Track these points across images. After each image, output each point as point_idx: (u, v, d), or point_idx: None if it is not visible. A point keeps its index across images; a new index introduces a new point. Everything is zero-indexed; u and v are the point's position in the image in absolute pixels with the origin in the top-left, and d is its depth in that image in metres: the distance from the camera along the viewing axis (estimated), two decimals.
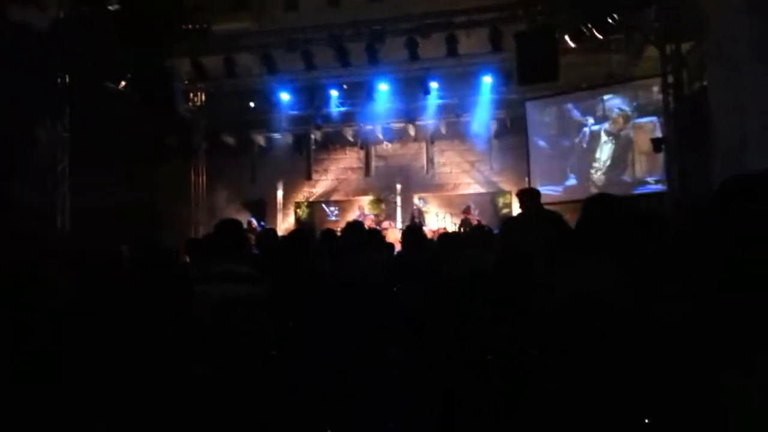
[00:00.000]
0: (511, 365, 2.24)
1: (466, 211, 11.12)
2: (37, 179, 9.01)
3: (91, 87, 9.96)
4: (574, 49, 10.28)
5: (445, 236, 5.61)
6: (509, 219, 4.59)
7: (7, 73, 7.76)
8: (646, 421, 1.83)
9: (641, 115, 10.63)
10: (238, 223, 4.00)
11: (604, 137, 11.17)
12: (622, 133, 10.93)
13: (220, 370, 2.53)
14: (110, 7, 9.52)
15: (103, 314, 3.15)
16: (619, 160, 10.91)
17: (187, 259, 5.39)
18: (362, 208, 12.71)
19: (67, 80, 9.76)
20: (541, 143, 12.05)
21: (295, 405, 2.44)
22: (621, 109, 10.98)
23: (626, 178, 10.70)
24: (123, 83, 10.44)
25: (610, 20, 9.53)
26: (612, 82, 11.13)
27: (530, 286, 2.40)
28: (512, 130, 12.67)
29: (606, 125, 11.15)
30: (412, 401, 2.52)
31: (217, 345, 2.67)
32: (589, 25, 9.67)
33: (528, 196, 5.04)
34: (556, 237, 2.77)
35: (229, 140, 13.42)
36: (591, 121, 11.36)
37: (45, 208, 9.19)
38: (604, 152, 11.14)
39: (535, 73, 9.86)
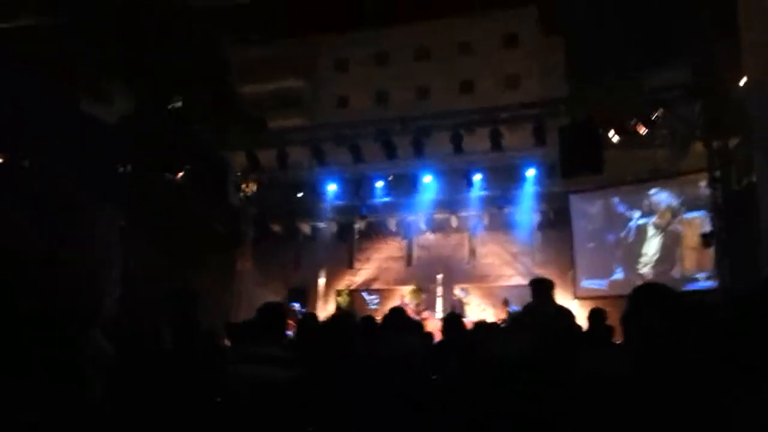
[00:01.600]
0: None
1: (505, 303, 10.96)
2: (91, 263, 9.39)
3: (152, 177, 10.53)
4: (618, 143, 10.38)
5: (481, 324, 5.55)
6: (526, 305, 4.55)
7: (75, 163, 8.32)
8: None
9: (688, 210, 10.49)
10: (280, 306, 4.08)
11: (651, 231, 11.01)
12: (670, 227, 10.76)
13: None
14: (174, 105, 10.23)
15: (141, 391, 3.21)
16: (667, 255, 10.68)
17: (228, 343, 5.46)
18: (403, 298, 12.66)
19: (129, 169, 10.37)
20: (586, 237, 11.94)
21: None
22: (668, 204, 10.87)
23: (675, 273, 10.42)
24: (181, 173, 11.01)
25: (654, 115, 9.64)
26: (658, 177, 11.08)
27: (568, 371, 2.36)
28: (555, 223, 12.63)
29: (653, 219, 11.02)
30: None
31: (251, 426, 2.67)
32: (634, 120, 9.80)
33: (541, 287, 5.03)
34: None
35: (276, 228, 13.80)
36: (637, 215, 11.25)
37: (95, 291, 9.49)
38: (652, 247, 10.93)
39: (579, 166, 9.93)
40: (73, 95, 9.16)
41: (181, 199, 10.38)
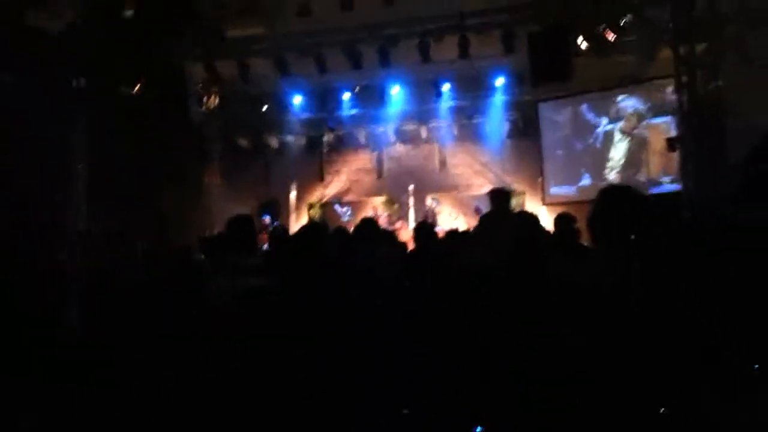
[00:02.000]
0: (518, 353, 2.25)
1: (476, 211, 11.11)
2: (54, 181, 9.12)
3: (106, 91, 10.08)
4: (587, 50, 10.26)
5: (453, 232, 5.63)
6: (486, 215, 4.66)
7: (23, 78, 7.88)
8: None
9: (655, 115, 10.59)
10: (249, 218, 4.04)
11: (617, 137, 11.14)
12: (636, 132, 10.89)
13: (241, 362, 2.56)
14: (125, 13, 9.63)
15: (118, 305, 3.19)
16: (634, 159, 10.87)
17: (202, 257, 5.44)
18: (376, 209, 12.78)
19: (83, 84, 9.88)
20: (555, 144, 12.04)
21: (309, 394, 2.46)
22: (635, 109, 10.94)
23: (641, 177, 10.65)
24: (137, 87, 10.55)
25: (622, 21, 9.50)
26: (626, 83, 11.08)
27: (543, 278, 2.40)
28: (525, 132, 12.65)
29: (620, 125, 11.11)
30: (424, 387, 2.53)
31: (234, 336, 2.69)
32: (602, 26, 9.64)
33: (499, 197, 5.24)
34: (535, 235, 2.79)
35: (243, 143, 13.53)
36: (605, 121, 11.32)
37: (62, 207, 9.30)
38: (618, 152, 11.10)
39: (547, 74, 9.84)
40: (15, 7, 8.55)
41: (140, 113, 10.01)
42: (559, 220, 5.23)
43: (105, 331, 2.89)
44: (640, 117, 10.86)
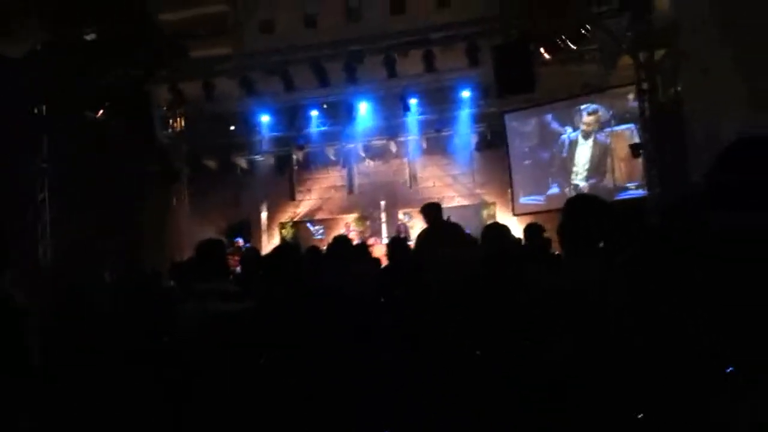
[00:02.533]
0: (502, 358, 2.24)
1: None
2: (17, 211, 8.89)
3: (69, 116, 9.89)
4: (550, 60, 10.45)
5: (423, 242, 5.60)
6: (422, 232, 4.70)
7: None
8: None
9: (618, 123, 10.81)
10: (220, 243, 3.98)
11: (582, 146, 11.33)
12: (600, 140, 11.10)
13: (209, 385, 2.50)
14: (87, 37, 9.49)
15: (88, 336, 3.10)
16: (599, 167, 11.07)
17: (172, 283, 5.33)
18: (349, 225, 12.74)
19: (44, 110, 9.69)
20: (522, 154, 12.19)
21: (287, 414, 2.41)
22: (598, 118, 11.16)
23: (607, 184, 10.85)
24: (101, 111, 10.37)
25: (583, 31, 9.69)
26: (588, 92, 11.30)
27: (515, 286, 2.41)
28: (493, 143, 12.78)
29: (584, 134, 11.32)
30: (407, 405, 2.50)
31: (203, 361, 2.63)
32: (563, 37, 9.83)
33: (430, 210, 5.31)
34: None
35: (211, 164, 13.39)
36: (569, 130, 11.52)
37: (27, 238, 9.07)
38: (584, 160, 11.30)
39: (512, 85, 9.97)
40: None
41: (105, 138, 9.84)
42: (528, 231, 5.31)
43: (69, 359, 2.80)
44: (602, 124, 11.07)
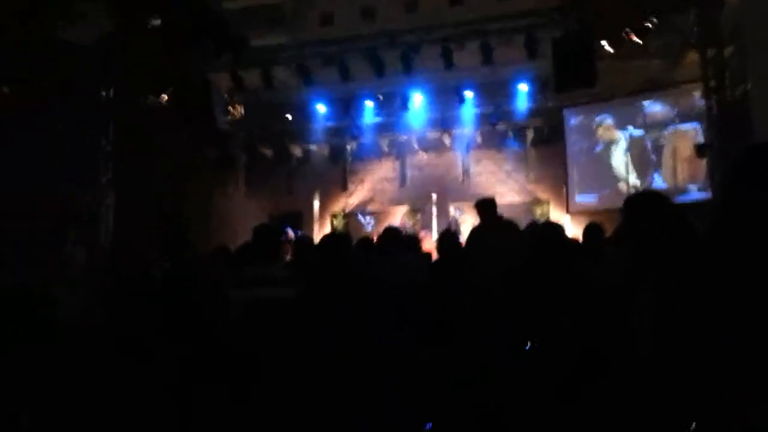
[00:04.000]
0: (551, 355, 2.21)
1: None
2: (83, 191, 9.29)
3: (135, 101, 10.26)
4: (612, 54, 10.14)
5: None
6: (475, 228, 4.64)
7: (54, 89, 8.06)
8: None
9: (682, 121, 10.40)
10: (275, 229, 4.06)
11: (644, 144, 10.96)
12: (663, 139, 10.71)
13: (258, 371, 2.56)
14: (151, 23, 9.80)
15: (142, 325, 3.21)
16: (659, 166, 10.69)
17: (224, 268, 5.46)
18: (400, 219, 12.78)
19: (111, 94, 10.07)
20: (579, 151, 11.90)
21: (330, 402, 2.45)
22: (662, 116, 10.77)
23: (667, 185, 10.46)
24: (165, 97, 10.71)
25: (648, 25, 9.37)
26: (652, 88, 10.92)
27: (567, 280, 2.36)
28: (549, 139, 12.52)
29: (646, 132, 10.94)
30: (450, 400, 2.49)
31: (252, 346, 2.70)
32: (627, 30, 9.53)
33: (485, 206, 5.23)
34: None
35: (267, 152, 13.63)
36: (630, 128, 11.16)
37: (90, 218, 9.46)
38: (644, 159, 10.92)
39: (572, 79, 9.72)
40: (47, 21, 8.76)
41: (168, 123, 10.15)
42: (588, 231, 5.13)
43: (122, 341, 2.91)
44: (667, 123, 10.68)
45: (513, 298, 2.51)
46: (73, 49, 8.80)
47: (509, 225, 3.13)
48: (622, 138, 11.26)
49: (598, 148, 11.62)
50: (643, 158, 10.95)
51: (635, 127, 11.09)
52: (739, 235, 1.46)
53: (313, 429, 2.50)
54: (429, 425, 2.53)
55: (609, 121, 11.46)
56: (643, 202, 2.51)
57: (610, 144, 11.43)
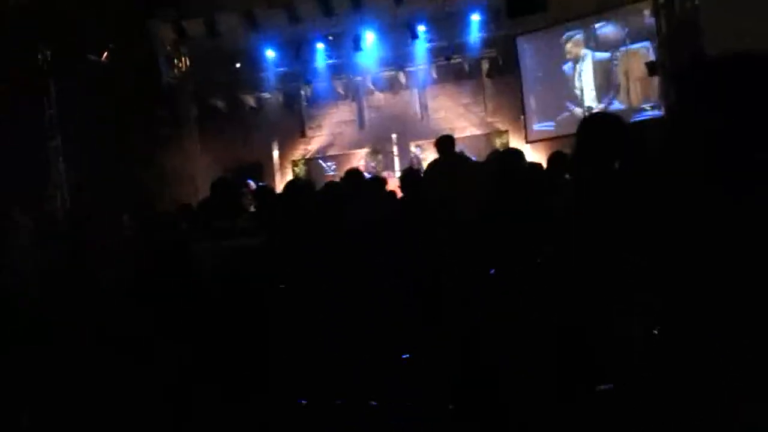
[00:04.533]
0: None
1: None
2: (30, 158, 8.94)
3: (74, 61, 9.77)
4: None
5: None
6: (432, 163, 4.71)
7: None
8: None
9: (633, 41, 10.44)
10: (232, 181, 4.00)
11: (596, 67, 11.01)
12: (615, 60, 10.76)
13: (227, 320, 2.56)
14: None
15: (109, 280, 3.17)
16: (613, 88, 10.79)
17: (185, 224, 5.39)
18: (360, 161, 12.71)
19: (49, 56, 9.57)
20: (535, 79, 11.90)
21: (301, 344, 2.48)
22: (613, 37, 10.79)
23: (622, 105, 10.59)
24: (105, 54, 10.23)
25: None
26: (602, 10, 10.88)
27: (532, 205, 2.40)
28: (504, 69, 12.44)
29: (598, 54, 10.97)
30: (423, 333, 2.55)
31: (220, 297, 2.69)
32: None
33: (442, 143, 5.43)
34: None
35: (219, 104, 13.25)
36: (583, 51, 11.17)
37: (41, 185, 9.17)
38: (597, 81, 11.00)
39: (524, 5, 9.64)
40: None
41: (111, 81, 9.74)
42: (552, 160, 5.12)
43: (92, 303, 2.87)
44: (618, 45, 10.71)
45: (479, 228, 2.54)
46: (4, 9, 8.28)
47: (462, 159, 3.15)
48: (576, 62, 11.26)
49: (553, 75, 11.60)
50: (595, 80, 11.03)
51: (587, 50, 11.10)
52: (680, 155, 1.48)
53: (291, 372, 2.53)
54: (405, 356, 2.59)
55: (562, 45, 11.42)
56: (593, 125, 2.53)
57: (564, 69, 11.43)
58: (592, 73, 11.05)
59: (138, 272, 3.29)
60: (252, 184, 11.42)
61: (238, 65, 12.60)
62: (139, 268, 3.40)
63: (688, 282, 1.16)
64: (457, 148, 11.64)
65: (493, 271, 2.45)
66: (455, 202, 3.11)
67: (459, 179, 2.83)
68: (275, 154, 13.91)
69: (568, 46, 11.27)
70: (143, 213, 5.98)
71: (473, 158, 10.76)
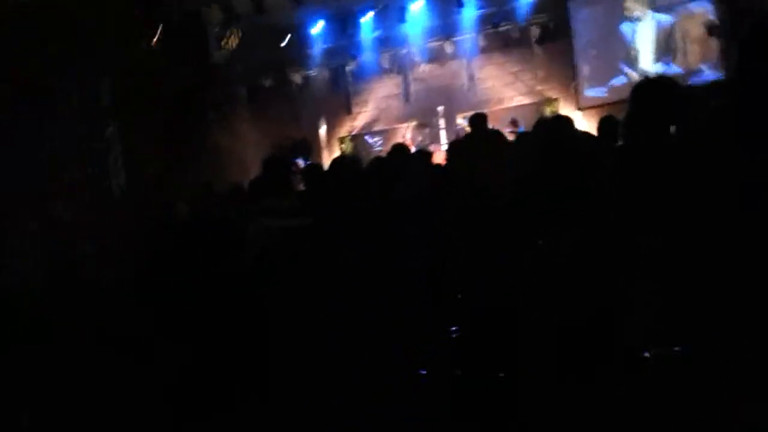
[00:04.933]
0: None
1: (513, 123, 10.80)
2: (86, 146, 9.25)
3: (126, 47, 10.00)
4: None
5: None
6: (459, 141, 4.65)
7: (38, 44, 7.86)
8: None
9: (692, 1, 9.93)
10: (283, 159, 4.05)
11: (652, 28, 10.53)
12: (673, 21, 10.27)
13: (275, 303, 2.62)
14: None
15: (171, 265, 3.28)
16: (670, 50, 10.31)
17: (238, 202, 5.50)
18: (406, 135, 12.65)
19: (101, 43, 9.82)
20: (588, 44, 11.49)
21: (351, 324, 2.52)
22: None
23: (679, 68, 10.13)
24: (156, 39, 10.44)
25: None
26: None
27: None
28: (556, 35, 12.06)
29: (654, 15, 10.49)
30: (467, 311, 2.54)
31: (270, 276, 2.75)
32: None
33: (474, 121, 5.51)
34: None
35: (266, 82, 13.38)
36: (638, 12, 10.69)
37: (98, 173, 9.48)
38: (653, 44, 10.53)
39: None
40: None
41: (163, 65, 9.95)
42: (604, 124, 4.94)
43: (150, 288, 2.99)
44: (675, 4, 10.20)
45: (515, 208, 2.50)
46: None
47: (494, 134, 3.09)
48: (630, 24, 10.80)
49: (607, 39, 11.15)
50: (650, 42, 10.57)
51: (643, 12, 10.63)
52: (745, 112, 1.40)
53: (335, 351, 2.58)
54: (454, 331, 2.60)
55: (616, 8, 10.95)
56: (648, 89, 2.43)
57: (617, 33, 10.98)
58: (652, 34, 10.58)
59: (188, 254, 3.39)
60: (300, 162, 11.57)
61: (285, 43, 12.66)
62: (190, 250, 3.51)
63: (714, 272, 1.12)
64: (508, 117, 11.55)
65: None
66: (480, 179, 3.05)
67: (484, 156, 2.77)
68: (322, 131, 13.99)
69: (629, 4, 10.79)
70: (197, 197, 6.15)
71: (521, 129, 10.63)
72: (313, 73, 13.47)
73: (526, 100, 12.70)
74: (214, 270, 2.83)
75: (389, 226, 3.02)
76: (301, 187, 5.60)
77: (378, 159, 5.18)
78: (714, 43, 9.17)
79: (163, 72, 9.85)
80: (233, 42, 12.73)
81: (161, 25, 10.27)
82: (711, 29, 8.98)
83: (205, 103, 11.38)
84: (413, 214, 3.21)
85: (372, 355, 2.49)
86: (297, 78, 13.57)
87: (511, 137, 10.26)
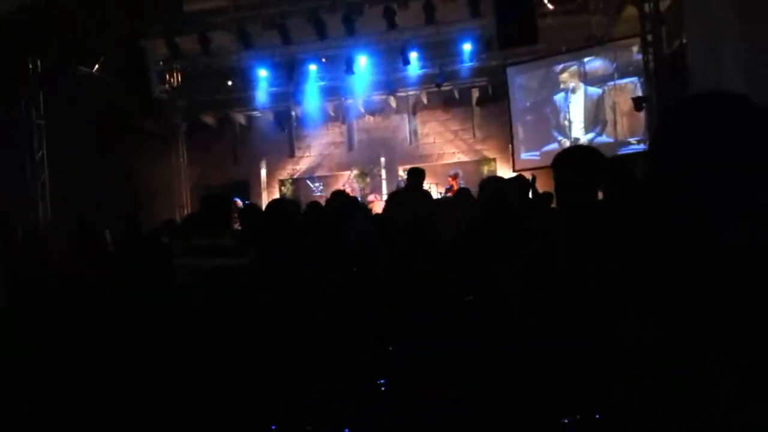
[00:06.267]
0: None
1: (454, 177, 11.03)
2: (15, 167, 8.85)
3: (65, 71, 9.74)
4: (553, 11, 10.25)
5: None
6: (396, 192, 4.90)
7: None
8: None
9: (621, 76, 10.62)
10: (223, 197, 3.97)
11: (584, 100, 11.17)
12: (603, 94, 10.94)
13: (206, 337, 2.53)
14: None
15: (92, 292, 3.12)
16: (600, 121, 10.94)
17: (169, 239, 5.33)
18: (348, 182, 12.72)
19: (39, 65, 9.54)
20: (523, 109, 12.04)
21: (284, 365, 2.45)
22: (602, 71, 10.98)
23: (608, 138, 10.73)
24: (97, 66, 10.22)
25: None
26: (592, 44, 11.08)
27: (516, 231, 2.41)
28: (494, 98, 12.63)
29: (586, 88, 11.15)
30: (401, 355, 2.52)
31: (198, 315, 2.65)
32: None
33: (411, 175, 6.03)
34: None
35: (209, 120, 13.26)
36: (572, 84, 11.34)
37: (24, 196, 9.05)
38: (585, 114, 11.15)
39: (514, 37, 9.78)
40: None
41: (101, 94, 9.71)
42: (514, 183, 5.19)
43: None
44: (606, 79, 10.88)
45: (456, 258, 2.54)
46: None
47: (424, 194, 3.20)
48: (563, 94, 11.42)
49: (541, 106, 11.73)
50: (582, 113, 11.18)
51: (576, 83, 11.28)
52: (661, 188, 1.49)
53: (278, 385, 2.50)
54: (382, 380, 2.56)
55: (551, 78, 11.57)
56: (571, 153, 2.57)
57: (552, 101, 11.57)
58: (584, 105, 11.20)
59: (119, 284, 3.25)
60: (239, 201, 11.40)
61: (230, 83, 12.62)
62: (120, 280, 3.36)
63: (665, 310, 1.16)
64: (447, 172, 11.83)
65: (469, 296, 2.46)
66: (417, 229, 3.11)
67: (421, 208, 2.86)
68: (263, 172, 13.91)
69: (564, 76, 11.41)
70: (125, 226, 5.92)
71: (461, 184, 10.91)
72: (257, 114, 13.46)
73: (465, 158, 13.10)
74: (143, 301, 2.71)
75: (336, 269, 3.00)
76: (238, 226, 5.50)
77: (315, 203, 5.18)
78: (641, 117, 9.77)
79: (100, 99, 9.61)
80: (176, 78, 12.61)
81: (104, 52, 10.08)
82: (638, 103, 9.58)
83: (142, 134, 11.12)
84: (360, 258, 3.21)
85: (309, 396, 2.42)
86: (240, 118, 13.52)
87: (456, 187, 10.53)
